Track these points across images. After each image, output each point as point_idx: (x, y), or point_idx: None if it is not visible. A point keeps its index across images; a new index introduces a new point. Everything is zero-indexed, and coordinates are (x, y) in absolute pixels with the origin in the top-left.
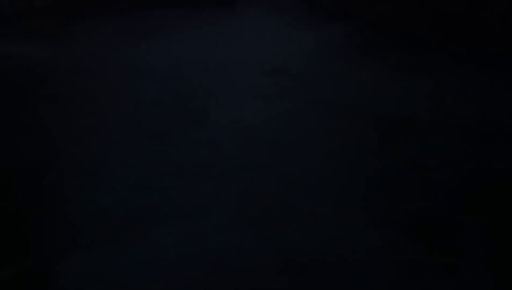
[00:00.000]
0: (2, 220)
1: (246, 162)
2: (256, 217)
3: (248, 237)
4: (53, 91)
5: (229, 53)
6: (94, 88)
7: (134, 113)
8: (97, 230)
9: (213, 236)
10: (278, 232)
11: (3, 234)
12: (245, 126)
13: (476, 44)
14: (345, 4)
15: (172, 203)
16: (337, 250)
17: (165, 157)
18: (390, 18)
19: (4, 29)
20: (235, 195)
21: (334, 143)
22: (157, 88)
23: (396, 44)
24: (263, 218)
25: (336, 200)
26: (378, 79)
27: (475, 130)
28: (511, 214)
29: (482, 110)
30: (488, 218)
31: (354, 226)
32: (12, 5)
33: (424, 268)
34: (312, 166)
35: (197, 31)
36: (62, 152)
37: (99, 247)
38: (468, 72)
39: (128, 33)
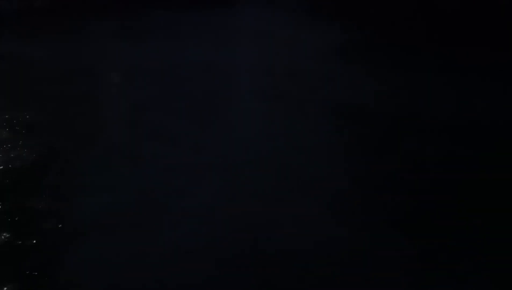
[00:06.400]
0: None
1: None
2: None
3: None
4: (52, 91)
5: (230, 53)
6: (94, 88)
7: (132, 114)
8: None
9: None
10: None
11: None
12: (241, 130)
13: (473, 45)
14: (345, 4)
15: None
16: None
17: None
18: (389, 18)
19: (4, 29)
20: None
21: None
22: (155, 88)
23: (395, 44)
24: None
25: None
26: (375, 79)
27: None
28: None
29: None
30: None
31: None
32: (12, 5)
33: None
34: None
35: (198, 31)
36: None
37: None
38: (457, 73)
39: (128, 33)
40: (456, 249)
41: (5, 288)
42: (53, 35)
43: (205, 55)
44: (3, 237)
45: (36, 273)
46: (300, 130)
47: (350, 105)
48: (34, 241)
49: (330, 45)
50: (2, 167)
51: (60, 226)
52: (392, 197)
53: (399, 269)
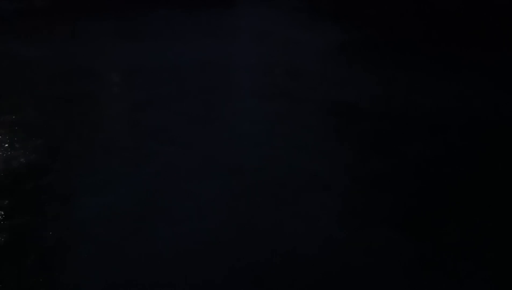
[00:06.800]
0: None
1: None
2: None
3: None
4: (52, 90)
5: (230, 53)
6: (94, 88)
7: (132, 114)
8: None
9: None
10: None
11: None
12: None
13: (473, 45)
14: (345, 4)
15: None
16: None
17: None
18: (389, 18)
19: (4, 29)
20: None
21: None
22: (156, 88)
23: (394, 44)
24: None
25: None
26: (375, 79)
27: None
28: None
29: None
30: None
31: None
32: (12, 5)
33: None
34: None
35: (198, 30)
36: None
37: None
38: (457, 73)
39: (127, 33)
40: (456, 249)
41: (4, 289)
42: (53, 35)
43: (205, 55)
44: (2, 237)
45: (35, 273)
46: (300, 130)
47: (350, 104)
48: (34, 242)
49: (330, 45)
50: (1, 167)
51: (59, 226)
52: (392, 197)
53: (399, 269)
